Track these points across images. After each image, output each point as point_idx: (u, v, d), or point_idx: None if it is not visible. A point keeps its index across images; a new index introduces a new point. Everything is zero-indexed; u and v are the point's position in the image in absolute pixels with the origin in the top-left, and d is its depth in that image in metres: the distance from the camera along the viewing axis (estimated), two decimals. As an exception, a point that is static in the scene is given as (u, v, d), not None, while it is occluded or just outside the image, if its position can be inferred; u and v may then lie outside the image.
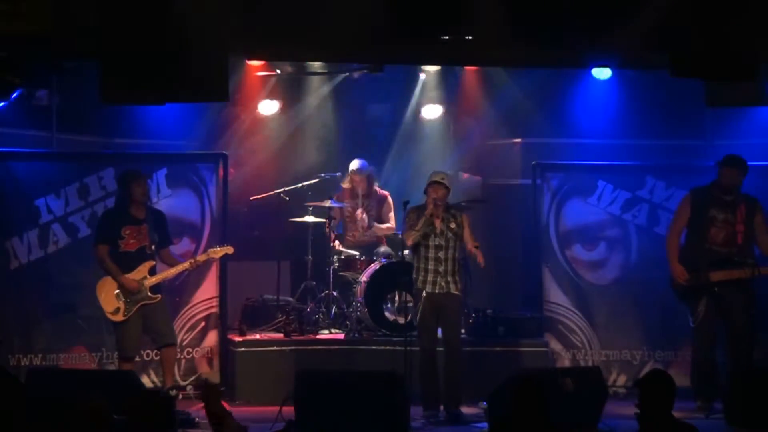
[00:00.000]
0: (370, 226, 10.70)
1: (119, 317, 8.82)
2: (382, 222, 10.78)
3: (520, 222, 10.99)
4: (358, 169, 10.67)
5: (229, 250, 9.33)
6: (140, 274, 8.88)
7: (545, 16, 8.05)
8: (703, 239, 9.15)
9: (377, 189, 10.86)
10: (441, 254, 8.94)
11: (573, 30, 8.19)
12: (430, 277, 8.94)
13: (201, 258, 9.24)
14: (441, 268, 8.93)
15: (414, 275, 9.04)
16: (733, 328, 9.08)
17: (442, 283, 8.93)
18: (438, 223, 8.94)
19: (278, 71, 10.84)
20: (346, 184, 10.78)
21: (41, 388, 7.51)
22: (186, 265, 9.11)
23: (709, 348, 9.17)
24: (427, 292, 8.91)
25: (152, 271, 8.95)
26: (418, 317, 9.00)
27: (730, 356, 9.15)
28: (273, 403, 8.39)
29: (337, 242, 10.58)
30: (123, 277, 8.81)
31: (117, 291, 8.83)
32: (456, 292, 8.97)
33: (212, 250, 9.32)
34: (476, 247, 8.87)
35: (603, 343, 10.26)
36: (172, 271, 9.12)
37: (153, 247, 8.94)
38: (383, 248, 10.68)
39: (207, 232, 10.08)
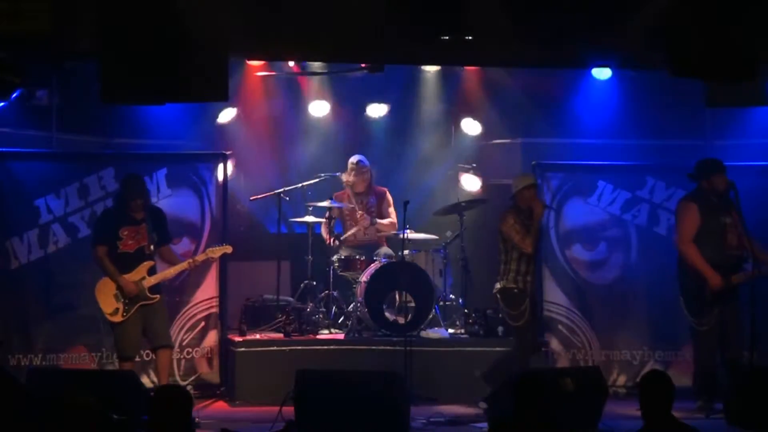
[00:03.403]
0: (372, 223, 10.68)
1: (118, 318, 8.81)
2: (382, 218, 10.78)
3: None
4: (357, 163, 10.66)
5: (228, 249, 9.31)
6: (139, 275, 8.86)
7: (545, 16, 8.05)
8: (721, 245, 9.08)
9: (375, 186, 10.85)
10: (537, 256, 9.07)
11: (573, 30, 8.20)
12: (530, 279, 8.98)
13: (200, 258, 9.22)
14: (535, 269, 9.05)
15: (510, 276, 8.95)
16: (736, 327, 9.08)
17: (534, 283, 9.05)
18: None
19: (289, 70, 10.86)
20: (345, 177, 10.74)
21: (41, 388, 7.50)
22: (185, 265, 9.09)
23: (715, 350, 9.18)
24: (530, 293, 8.95)
25: (151, 272, 8.92)
26: (523, 322, 8.92)
27: (731, 356, 9.15)
28: (273, 403, 8.38)
29: (336, 241, 10.57)
30: (122, 279, 8.81)
31: (116, 292, 8.81)
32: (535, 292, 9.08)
33: (210, 249, 9.29)
34: None
35: (603, 343, 10.26)
36: (171, 272, 9.09)
37: (152, 247, 8.92)
38: (384, 249, 10.69)
39: (207, 232, 10.09)
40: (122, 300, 8.79)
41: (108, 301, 8.81)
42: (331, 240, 10.45)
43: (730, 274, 9.04)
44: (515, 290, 8.91)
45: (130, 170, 9.14)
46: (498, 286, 9.05)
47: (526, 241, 8.85)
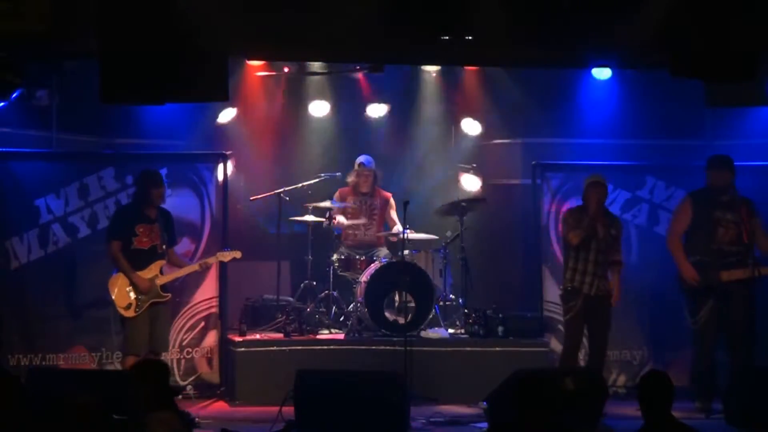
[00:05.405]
0: (386, 230, 10.67)
1: (131, 313, 8.91)
2: (388, 223, 10.78)
3: (520, 222, 10.99)
4: (364, 163, 10.66)
5: (237, 254, 9.44)
6: (152, 273, 8.98)
7: (545, 16, 8.05)
8: (710, 240, 9.18)
9: (380, 190, 10.85)
10: (600, 257, 9.01)
11: (573, 30, 8.20)
12: (588, 279, 8.97)
13: (210, 261, 9.42)
14: (599, 271, 9.01)
15: (568, 275, 9.04)
16: (733, 327, 9.10)
17: (600, 285, 9.00)
18: (600, 228, 8.96)
19: (284, 69, 10.83)
20: (351, 178, 10.75)
21: (41, 388, 7.50)
22: (196, 266, 9.30)
23: (711, 349, 9.20)
24: (584, 294, 8.95)
25: (163, 270, 9.04)
26: (569, 317, 9.04)
27: (730, 356, 9.17)
28: (273, 403, 8.39)
29: (339, 221, 10.55)
30: (135, 275, 8.90)
31: (129, 287, 8.89)
32: (606, 295, 9.05)
33: (221, 253, 9.42)
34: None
35: (603, 343, 10.25)
36: (182, 272, 9.27)
37: (164, 246, 9.02)
38: (383, 249, 10.69)
39: (207, 232, 10.10)
40: (135, 295, 8.89)
41: (122, 295, 8.90)
42: (330, 223, 10.38)
43: (721, 270, 9.07)
44: (568, 288, 9.02)
45: (130, 170, 9.17)
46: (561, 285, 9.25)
47: (571, 233, 8.94)
